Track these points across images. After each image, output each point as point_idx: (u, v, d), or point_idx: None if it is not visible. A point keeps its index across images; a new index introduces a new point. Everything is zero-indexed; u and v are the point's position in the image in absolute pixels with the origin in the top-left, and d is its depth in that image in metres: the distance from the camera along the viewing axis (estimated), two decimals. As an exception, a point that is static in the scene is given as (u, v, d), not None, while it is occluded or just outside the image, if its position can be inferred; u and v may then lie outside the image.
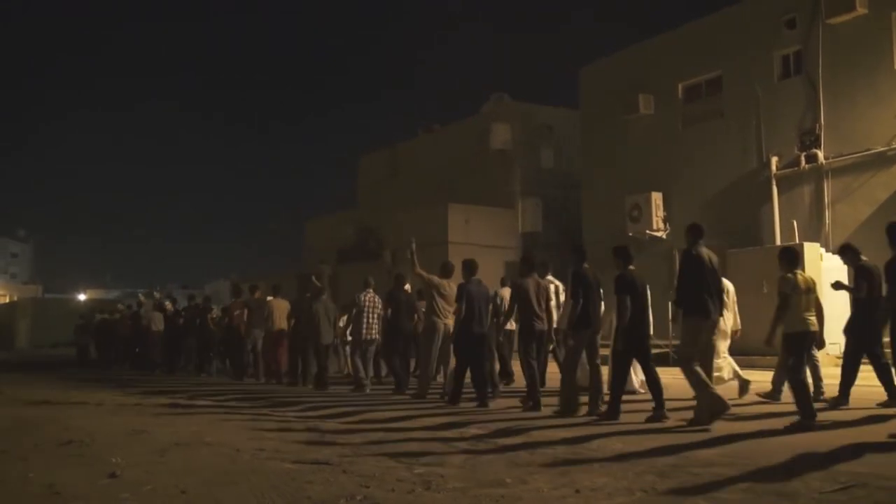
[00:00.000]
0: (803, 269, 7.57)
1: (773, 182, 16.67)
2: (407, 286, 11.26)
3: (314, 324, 12.13)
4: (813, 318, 7.07)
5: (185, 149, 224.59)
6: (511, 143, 24.44)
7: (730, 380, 8.99)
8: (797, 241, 14.16)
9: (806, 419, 6.61)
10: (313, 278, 13.26)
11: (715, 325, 7.45)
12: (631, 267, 7.83)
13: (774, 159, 16.74)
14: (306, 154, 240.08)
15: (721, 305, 7.46)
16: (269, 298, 14.11)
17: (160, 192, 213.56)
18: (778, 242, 15.60)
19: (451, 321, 9.91)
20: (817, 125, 16.05)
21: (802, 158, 16.18)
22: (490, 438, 6.55)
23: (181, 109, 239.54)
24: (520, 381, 9.94)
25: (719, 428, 6.90)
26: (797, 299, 6.95)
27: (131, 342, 19.26)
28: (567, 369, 8.22)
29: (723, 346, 8.92)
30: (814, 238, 14.97)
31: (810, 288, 7.07)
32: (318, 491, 4.62)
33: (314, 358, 12.48)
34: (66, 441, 6.52)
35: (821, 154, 15.91)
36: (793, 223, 15.65)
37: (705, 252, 7.35)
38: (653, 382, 7.58)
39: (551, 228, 23.34)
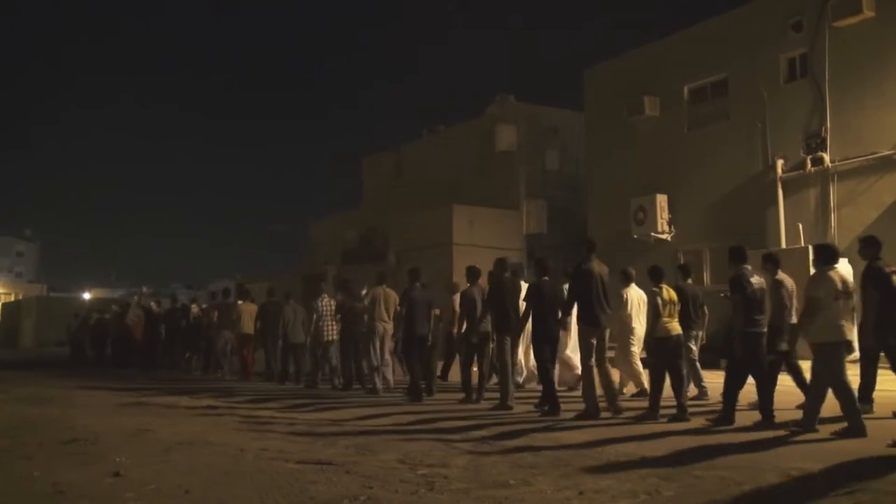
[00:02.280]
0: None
1: (779, 185, 16.61)
2: (364, 291, 12.23)
3: (285, 325, 13.31)
4: (676, 324, 8.07)
5: (190, 148, 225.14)
6: (516, 145, 24.39)
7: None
8: (802, 244, 14.12)
9: (651, 411, 7.74)
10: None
11: (604, 330, 8.33)
12: (546, 277, 8.84)
13: (780, 162, 16.68)
14: (311, 154, 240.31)
15: (608, 314, 8.39)
16: (239, 303, 15.20)
17: (165, 192, 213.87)
18: (783, 245, 15.55)
19: (390, 325, 11.00)
20: (823, 128, 15.99)
21: (808, 161, 16.13)
22: (493, 440, 6.55)
23: (185, 109, 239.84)
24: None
25: (722, 430, 6.89)
26: (662, 306, 7.96)
27: (120, 341, 19.84)
28: (503, 367, 9.17)
29: (637, 349, 9.84)
30: (819, 241, 14.91)
31: (673, 300, 8.11)
32: (322, 491, 4.62)
33: (291, 357, 13.58)
34: (71, 440, 6.54)
35: (827, 157, 15.85)
36: (798, 226, 15.61)
37: (595, 267, 8.29)
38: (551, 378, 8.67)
39: (556, 230, 23.30)
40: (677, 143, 19.13)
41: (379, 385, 10.89)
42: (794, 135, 16.53)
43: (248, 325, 14.42)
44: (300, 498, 4.48)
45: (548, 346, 8.67)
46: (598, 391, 8.20)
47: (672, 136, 19.23)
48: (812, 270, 8.73)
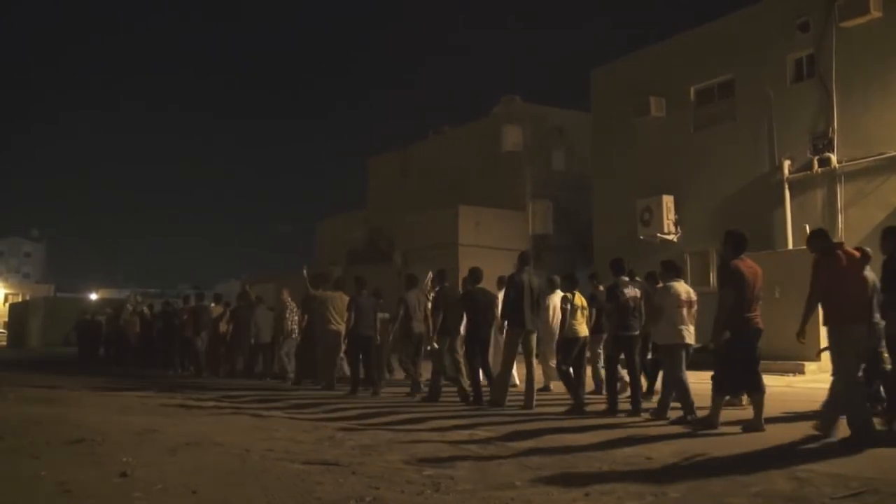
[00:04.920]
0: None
1: (786, 186, 16.59)
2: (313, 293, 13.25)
3: (256, 326, 14.53)
4: (584, 327, 9.07)
5: (198, 148, 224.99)
6: (522, 146, 24.40)
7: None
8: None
9: (578, 406, 8.58)
10: (246, 287, 17.07)
11: (531, 333, 9.24)
12: (480, 286, 9.96)
13: (787, 163, 16.65)
14: (317, 154, 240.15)
15: (536, 318, 9.35)
16: (212, 305, 16.60)
17: (169, 192, 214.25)
18: (790, 246, 15.53)
19: (342, 326, 11.90)
20: (830, 129, 15.96)
21: (815, 162, 16.10)
22: (500, 441, 6.54)
23: (192, 108, 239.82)
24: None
25: (728, 431, 6.88)
26: (573, 311, 8.95)
27: (115, 342, 20.72)
28: (436, 365, 10.31)
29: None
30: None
31: (583, 305, 9.15)
32: (328, 492, 4.63)
33: (260, 356, 14.89)
34: (78, 440, 6.55)
35: (833, 158, 15.82)
36: (805, 227, 15.55)
37: (526, 276, 9.22)
38: (479, 374, 9.85)
39: (562, 230, 23.31)
40: (684, 143, 19.11)
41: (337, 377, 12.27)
42: (800, 135, 16.49)
43: (220, 326, 15.82)
44: (306, 498, 4.48)
45: (479, 347, 9.90)
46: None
47: (678, 137, 19.22)
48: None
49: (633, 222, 19.00)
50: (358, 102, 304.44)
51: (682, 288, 7.97)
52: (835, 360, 6.56)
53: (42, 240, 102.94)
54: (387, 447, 6.20)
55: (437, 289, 10.82)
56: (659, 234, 18.57)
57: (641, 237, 18.76)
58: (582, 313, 9.09)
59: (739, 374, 6.96)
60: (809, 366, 12.69)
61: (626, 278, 8.70)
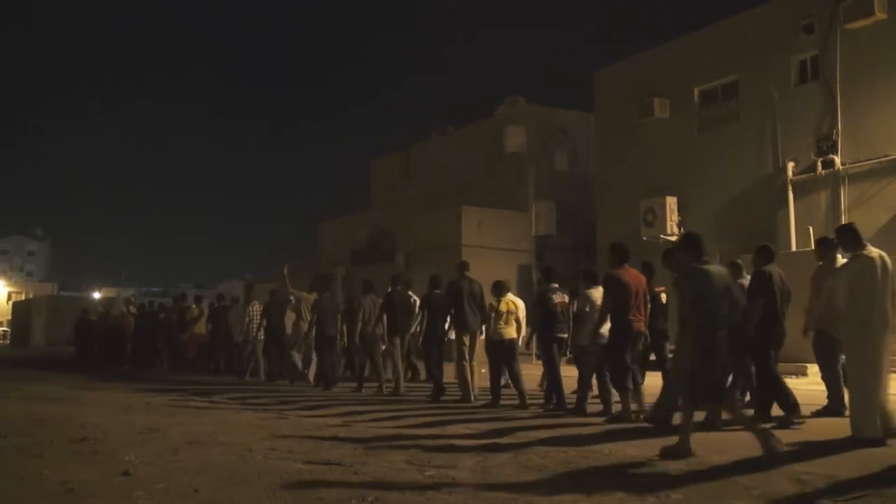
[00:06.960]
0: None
1: (789, 187, 16.56)
2: (292, 297, 13.95)
3: (229, 326, 15.42)
4: (510, 330, 9.63)
5: (198, 148, 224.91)
6: (525, 147, 24.37)
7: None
8: (813, 247, 14.04)
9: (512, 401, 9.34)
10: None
11: (474, 334, 10.15)
12: (437, 291, 10.69)
13: (791, 164, 16.63)
14: (321, 155, 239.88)
15: (481, 321, 10.17)
16: (193, 306, 17.51)
17: (172, 192, 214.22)
18: (794, 248, 15.49)
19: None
20: (834, 130, 15.93)
21: (819, 164, 16.07)
22: (501, 441, 6.54)
23: (192, 108, 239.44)
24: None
25: (732, 432, 6.86)
26: (498, 316, 9.55)
27: (108, 341, 21.05)
28: (394, 364, 11.29)
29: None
30: (830, 244, 14.85)
31: (510, 310, 9.67)
32: (331, 491, 4.63)
33: (234, 354, 15.53)
34: (81, 438, 6.56)
35: (838, 160, 15.79)
36: (808, 229, 15.54)
37: (465, 283, 10.19)
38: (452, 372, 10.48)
39: (565, 232, 23.28)
40: (687, 145, 19.09)
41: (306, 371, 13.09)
42: (804, 137, 16.46)
43: (199, 327, 16.67)
44: (308, 498, 4.49)
45: (435, 347, 10.66)
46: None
47: (682, 138, 19.19)
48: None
49: (637, 223, 18.97)
50: (358, 102, 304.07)
51: (600, 294, 8.39)
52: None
53: (46, 239, 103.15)
54: (389, 447, 6.21)
55: (387, 292, 11.52)
56: (662, 236, 18.53)
57: (644, 238, 18.72)
58: (509, 317, 9.64)
59: (617, 370, 7.82)
60: (812, 367, 12.63)
61: (556, 285, 9.49)
